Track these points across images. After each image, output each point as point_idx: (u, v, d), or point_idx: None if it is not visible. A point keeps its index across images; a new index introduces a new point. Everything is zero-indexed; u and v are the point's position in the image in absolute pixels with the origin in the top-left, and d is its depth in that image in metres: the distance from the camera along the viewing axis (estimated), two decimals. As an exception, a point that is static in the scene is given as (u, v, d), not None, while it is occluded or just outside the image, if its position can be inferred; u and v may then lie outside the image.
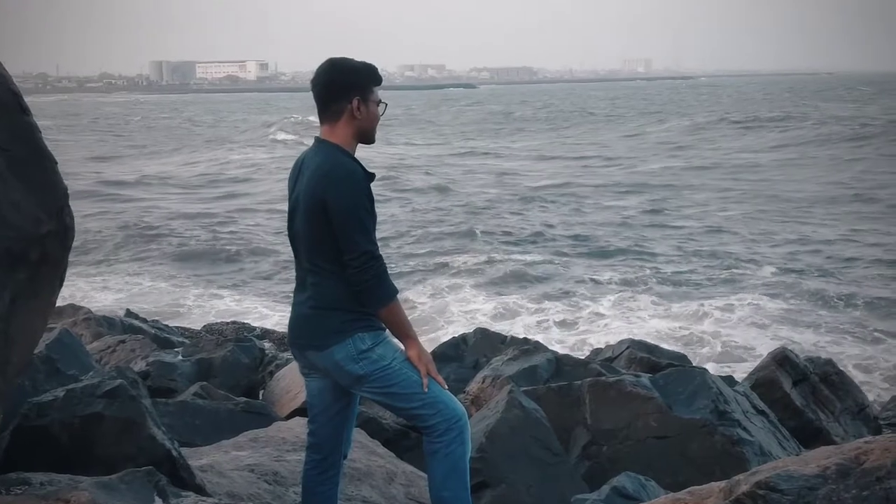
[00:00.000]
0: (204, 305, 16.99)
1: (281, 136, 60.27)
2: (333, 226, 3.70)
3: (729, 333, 14.30)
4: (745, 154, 44.58)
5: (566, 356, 8.47)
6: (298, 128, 65.41)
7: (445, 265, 19.87)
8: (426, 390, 3.82)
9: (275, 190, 32.99)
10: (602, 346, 10.97)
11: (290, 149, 49.10)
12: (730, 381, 7.46)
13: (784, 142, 49.68)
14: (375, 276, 3.71)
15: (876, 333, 14.33)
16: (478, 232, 23.87)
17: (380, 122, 3.97)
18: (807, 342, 13.59)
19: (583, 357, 9.50)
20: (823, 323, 14.95)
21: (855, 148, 43.90)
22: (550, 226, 25.06)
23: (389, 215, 26.46)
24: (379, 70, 3.96)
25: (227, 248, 22.70)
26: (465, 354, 9.49)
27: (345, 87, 3.82)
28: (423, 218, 26.86)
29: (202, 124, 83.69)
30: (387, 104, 4.00)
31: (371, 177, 3.81)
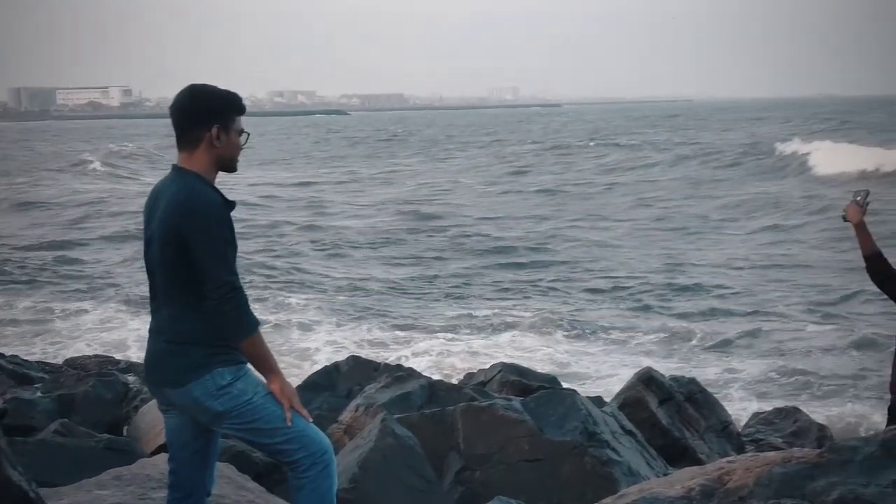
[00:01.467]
0: (66, 329, 16.36)
1: (97, 166, 57.40)
2: (192, 257, 3.60)
3: (593, 356, 14.54)
4: (580, 179, 45.66)
5: (439, 382, 8.44)
6: (114, 157, 62.23)
7: (304, 296, 19.40)
8: (290, 424, 3.74)
9: (79, 213, 31.34)
10: (475, 370, 11.00)
11: (105, 178, 46.74)
12: (598, 401, 7.59)
13: (610, 166, 51.61)
14: (236, 308, 3.63)
15: (732, 351, 14.77)
16: (334, 263, 23.58)
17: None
18: (668, 363, 13.87)
19: (456, 382, 9.51)
20: (682, 344, 15.31)
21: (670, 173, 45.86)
22: (402, 254, 24.96)
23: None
24: (246, 96, 3.89)
25: (71, 273, 21.81)
26: (338, 383, 9.36)
27: (204, 115, 3.74)
28: (267, 248, 26.25)
29: (30, 153, 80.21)
30: (249, 133, 3.93)
31: (231, 205, 3.73)
